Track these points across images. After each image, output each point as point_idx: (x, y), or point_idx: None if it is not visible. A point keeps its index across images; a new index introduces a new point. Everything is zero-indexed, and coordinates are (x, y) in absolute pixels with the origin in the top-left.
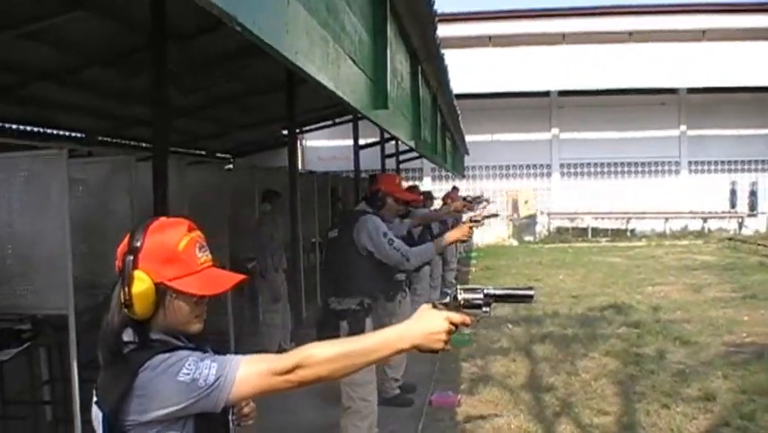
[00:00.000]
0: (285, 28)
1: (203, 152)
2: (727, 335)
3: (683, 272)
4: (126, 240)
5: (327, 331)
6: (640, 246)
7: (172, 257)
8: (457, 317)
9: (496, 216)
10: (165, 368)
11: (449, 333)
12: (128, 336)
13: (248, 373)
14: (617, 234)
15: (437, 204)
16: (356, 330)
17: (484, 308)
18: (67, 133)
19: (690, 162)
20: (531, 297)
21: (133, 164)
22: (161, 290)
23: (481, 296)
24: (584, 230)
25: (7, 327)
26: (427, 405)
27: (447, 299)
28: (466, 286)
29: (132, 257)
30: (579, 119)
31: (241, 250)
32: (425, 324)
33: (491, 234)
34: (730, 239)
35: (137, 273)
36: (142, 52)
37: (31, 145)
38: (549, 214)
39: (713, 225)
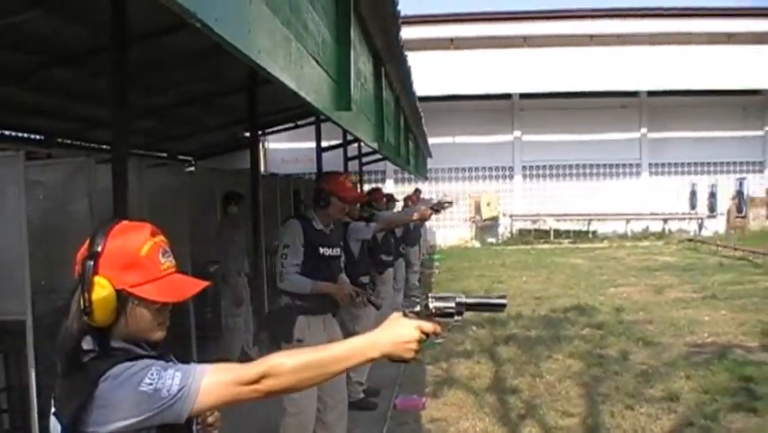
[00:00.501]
0: (247, 27)
1: (164, 154)
2: (689, 335)
3: (645, 273)
4: (86, 244)
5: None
6: (602, 248)
7: (134, 262)
8: (428, 325)
9: (451, 203)
10: (126, 378)
11: (420, 342)
12: (87, 344)
13: (213, 382)
14: (579, 235)
15: (399, 206)
16: (283, 330)
17: (456, 317)
18: (26, 135)
19: (650, 164)
20: (504, 306)
21: (93, 166)
22: (123, 297)
23: (453, 304)
24: (546, 232)
25: None
26: (392, 409)
27: (418, 308)
28: (437, 294)
29: (92, 262)
30: (541, 122)
31: (202, 254)
32: (396, 332)
33: (454, 235)
34: (690, 240)
35: (97, 279)
36: (104, 53)
37: None
38: (511, 216)
39: (673, 226)
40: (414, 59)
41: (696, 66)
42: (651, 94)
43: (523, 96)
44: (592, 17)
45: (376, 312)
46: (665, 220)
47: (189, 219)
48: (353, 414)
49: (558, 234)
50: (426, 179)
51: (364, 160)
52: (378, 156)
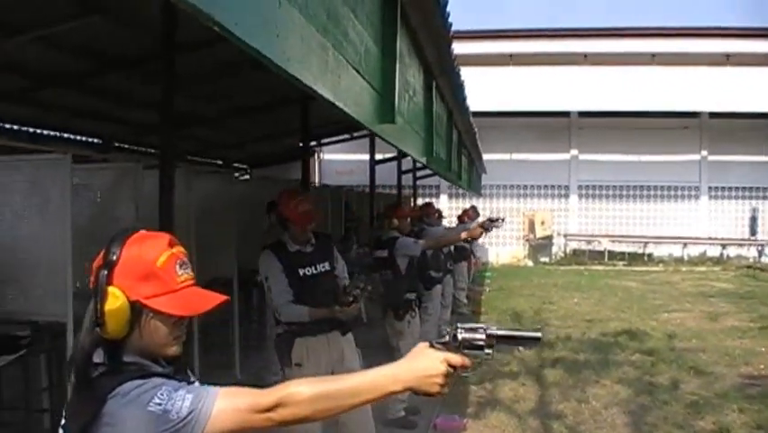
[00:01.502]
0: (275, 32)
1: (220, 162)
2: (744, 366)
3: (700, 300)
4: (102, 253)
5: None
6: (657, 271)
7: (149, 273)
8: (456, 358)
9: (502, 220)
10: (135, 396)
11: (447, 376)
12: (99, 357)
13: (225, 408)
14: (634, 258)
15: (446, 222)
16: (282, 355)
17: (486, 350)
18: (84, 138)
19: (710, 188)
20: (538, 339)
21: (140, 172)
22: (137, 309)
23: (483, 336)
24: (600, 253)
25: (4, 332)
26: (432, 429)
27: (446, 338)
28: (467, 325)
29: (106, 271)
30: (598, 140)
31: (249, 262)
32: (421, 365)
33: (506, 253)
34: (749, 267)
35: (111, 289)
36: (155, 60)
37: (39, 149)
38: (566, 235)
39: (732, 252)
40: (471, 73)
41: (760, 88)
42: (713, 115)
43: (581, 114)
44: (655, 36)
45: (420, 329)
46: (724, 246)
47: (238, 228)
48: (392, 431)
49: (612, 255)
50: (480, 195)
51: (418, 174)
52: (430, 171)
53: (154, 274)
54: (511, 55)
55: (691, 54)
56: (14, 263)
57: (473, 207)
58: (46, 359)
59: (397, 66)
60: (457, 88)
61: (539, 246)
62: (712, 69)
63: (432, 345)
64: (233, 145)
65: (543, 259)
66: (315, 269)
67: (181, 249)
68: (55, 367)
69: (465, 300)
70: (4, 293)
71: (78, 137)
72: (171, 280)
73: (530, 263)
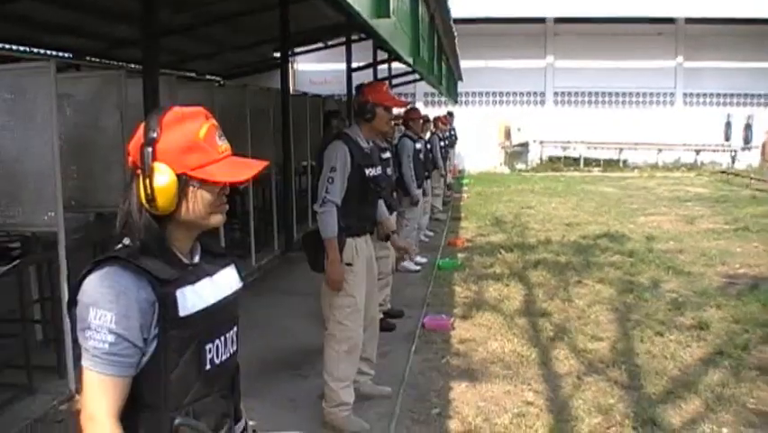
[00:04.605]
0: None
1: (192, 73)
2: (720, 266)
3: (676, 204)
4: (141, 132)
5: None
6: (632, 177)
7: (193, 146)
8: None
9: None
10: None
11: None
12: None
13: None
14: (610, 164)
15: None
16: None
17: None
18: (53, 53)
19: (685, 94)
20: None
21: (124, 79)
22: (183, 182)
23: None
24: (576, 159)
25: None
26: (420, 328)
27: None
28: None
29: (150, 149)
30: (574, 47)
31: None
32: None
33: (483, 161)
34: (723, 172)
35: (157, 165)
36: None
37: (16, 59)
38: (542, 142)
39: (706, 157)
40: None
41: None
42: (688, 21)
43: (557, 20)
44: None
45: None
46: (698, 151)
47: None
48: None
49: (588, 162)
50: (456, 102)
51: (394, 81)
52: (408, 78)
53: (197, 146)
54: None
55: None
56: (1, 176)
57: (450, 113)
58: (37, 271)
59: None
60: None
61: (515, 153)
62: None
63: None
64: (206, 56)
65: (519, 166)
66: (375, 171)
67: (215, 122)
68: (46, 279)
69: (441, 207)
70: None
71: (48, 51)
72: (214, 150)
73: (507, 170)
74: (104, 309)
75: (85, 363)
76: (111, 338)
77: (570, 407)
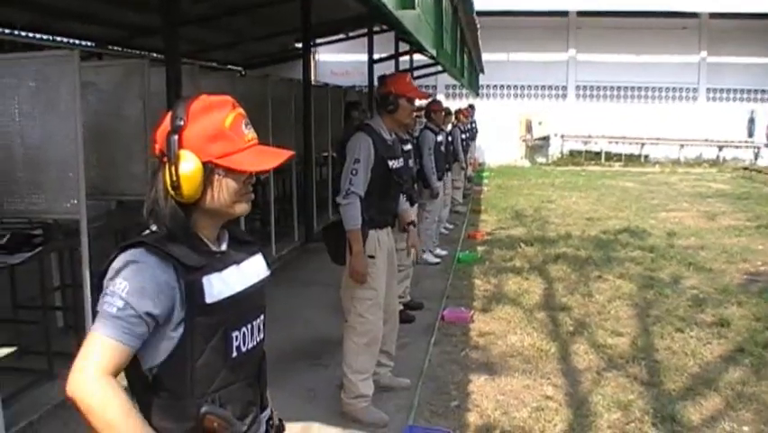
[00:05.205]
0: None
1: (213, 63)
2: (742, 263)
3: (697, 200)
4: (168, 120)
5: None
6: (653, 172)
7: (219, 134)
8: None
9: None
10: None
11: None
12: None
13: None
14: (631, 158)
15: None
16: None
17: None
18: (76, 41)
19: (708, 89)
20: None
21: (147, 68)
22: (209, 170)
23: None
24: (597, 154)
25: (18, 231)
26: (439, 321)
27: None
28: None
29: (176, 136)
30: (597, 41)
31: None
32: None
33: (503, 154)
34: (745, 168)
35: (183, 153)
36: None
37: (41, 47)
38: (563, 136)
39: (728, 153)
40: None
41: None
42: (712, 16)
43: (580, 13)
44: None
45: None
46: (720, 147)
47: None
48: (400, 326)
49: (609, 156)
50: (478, 95)
51: (416, 73)
52: (430, 70)
53: (223, 134)
54: None
55: None
56: (25, 163)
57: (471, 106)
58: (58, 258)
59: None
60: None
61: (536, 147)
62: None
63: None
64: (227, 45)
65: (540, 159)
66: (398, 162)
67: (242, 111)
68: (67, 266)
69: (461, 199)
70: (15, 193)
71: (71, 40)
72: (240, 138)
73: (527, 164)
74: (121, 279)
75: (91, 329)
76: (120, 303)
77: (589, 402)
